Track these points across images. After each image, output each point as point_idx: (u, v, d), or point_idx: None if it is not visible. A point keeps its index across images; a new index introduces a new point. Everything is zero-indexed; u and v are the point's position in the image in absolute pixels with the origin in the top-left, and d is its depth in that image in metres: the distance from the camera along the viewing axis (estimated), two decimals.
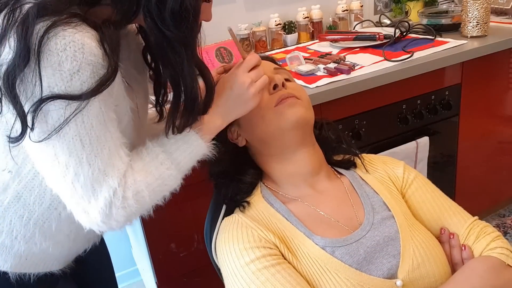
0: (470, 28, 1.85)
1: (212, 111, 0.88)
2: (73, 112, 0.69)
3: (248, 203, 0.96)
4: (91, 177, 0.73)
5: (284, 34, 2.08)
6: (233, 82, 0.89)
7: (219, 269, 0.94)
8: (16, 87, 0.67)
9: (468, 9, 1.84)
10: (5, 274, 0.87)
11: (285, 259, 0.85)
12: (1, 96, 0.68)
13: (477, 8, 1.82)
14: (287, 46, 2.08)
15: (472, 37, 1.86)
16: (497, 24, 2.04)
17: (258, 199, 0.96)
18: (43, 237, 0.86)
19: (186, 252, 1.49)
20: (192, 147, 0.85)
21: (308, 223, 0.90)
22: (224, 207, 0.99)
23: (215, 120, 0.89)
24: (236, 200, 0.97)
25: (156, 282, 1.51)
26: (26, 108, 0.68)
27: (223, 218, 0.96)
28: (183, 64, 0.79)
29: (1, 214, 0.82)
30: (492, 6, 1.93)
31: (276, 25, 2.05)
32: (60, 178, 0.73)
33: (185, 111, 0.83)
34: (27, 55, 0.65)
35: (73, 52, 0.66)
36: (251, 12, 2.05)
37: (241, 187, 0.98)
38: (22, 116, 0.68)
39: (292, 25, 2.08)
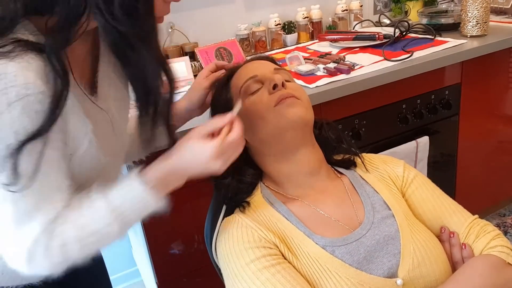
0: (469, 27, 1.86)
1: (173, 174, 0.81)
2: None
3: (248, 203, 0.96)
4: (15, 218, 0.69)
5: (283, 34, 2.08)
6: (195, 150, 0.80)
7: (219, 269, 0.94)
8: None
9: (468, 9, 1.84)
10: None
11: (285, 259, 0.85)
12: None
13: (476, 8, 1.82)
14: (287, 46, 2.08)
15: (471, 36, 1.86)
16: (497, 24, 2.04)
17: (258, 199, 0.96)
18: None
19: (186, 252, 1.49)
20: (142, 203, 0.77)
21: (308, 223, 0.90)
22: (224, 207, 0.99)
23: (175, 182, 0.82)
24: (236, 200, 0.97)
25: (156, 283, 1.51)
26: None
27: (223, 218, 0.96)
28: (144, 61, 0.76)
29: None
30: (491, 5, 1.93)
31: (276, 25, 2.05)
32: None
33: (153, 114, 0.80)
34: None
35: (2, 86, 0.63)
36: (251, 12, 2.05)
37: (241, 187, 0.98)
38: None
39: (292, 25, 2.08)
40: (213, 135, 0.81)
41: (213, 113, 1.04)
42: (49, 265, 0.73)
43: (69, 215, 0.74)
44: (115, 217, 0.75)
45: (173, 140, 0.86)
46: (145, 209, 0.78)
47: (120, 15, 0.70)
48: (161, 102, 0.80)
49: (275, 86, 0.93)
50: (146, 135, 0.81)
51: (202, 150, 0.79)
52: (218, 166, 0.80)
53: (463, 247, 0.92)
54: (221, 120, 0.82)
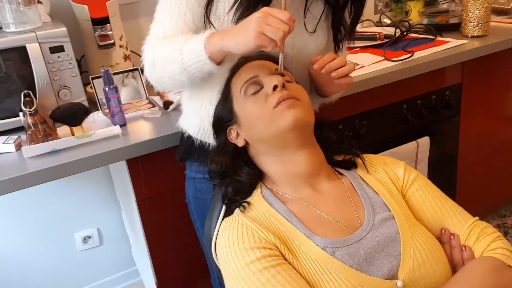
0: (470, 27, 1.85)
1: (216, 35, 0.92)
2: None
3: (248, 203, 0.96)
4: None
5: None
6: (248, 19, 0.88)
7: (219, 270, 0.94)
8: None
9: (469, 9, 1.84)
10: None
11: (285, 259, 0.85)
12: None
13: (477, 8, 1.82)
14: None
15: (472, 36, 1.86)
16: (498, 24, 2.04)
17: (258, 200, 0.96)
18: None
19: (186, 252, 1.49)
20: (193, 45, 0.92)
21: (308, 224, 0.90)
22: (224, 207, 0.99)
23: (215, 36, 0.91)
24: (236, 200, 0.97)
25: (156, 282, 1.51)
26: None
27: (223, 219, 0.96)
28: None
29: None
30: (492, 5, 1.92)
31: None
32: None
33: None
34: None
35: None
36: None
37: (241, 187, 0.98)
38: None
39: None
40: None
41: (215, 113, 1.04)
42: (148, 73, 1.02)
43: (166, 42, 0.98)
44: (181, 56, 0.94)
45: None
46: (199, 59, 0.93)
47: None
48: None
49: (275, 87, 0.93)
50: None
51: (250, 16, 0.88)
52: (253, 30, 0.84)
53: (464, 249, 0.92)
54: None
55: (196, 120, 1.12)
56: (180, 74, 0.96)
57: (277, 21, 0.84)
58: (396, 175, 1.01)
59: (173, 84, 1.01)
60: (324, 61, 0.99)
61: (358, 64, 1.65)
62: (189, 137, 1.16)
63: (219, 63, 0.93)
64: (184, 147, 1.19)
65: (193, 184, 1.20)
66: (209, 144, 1.12)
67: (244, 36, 0.86)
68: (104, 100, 1.42)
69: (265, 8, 0.86)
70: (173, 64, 0.95)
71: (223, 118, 1.00)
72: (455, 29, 1.96)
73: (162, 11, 1.00)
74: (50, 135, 1.30)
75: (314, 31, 1.07)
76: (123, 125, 1.39)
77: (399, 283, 0.83)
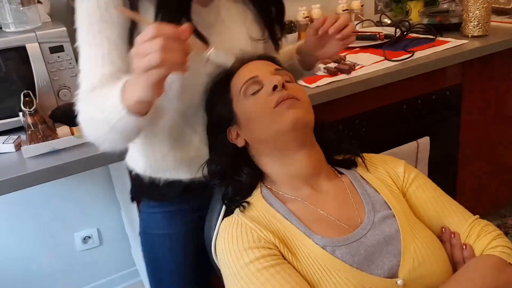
0: (471, 27, 1.85)
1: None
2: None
3: (248, 203, 0.96)
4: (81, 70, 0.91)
5: None
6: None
7: (219, 270, 0.94)
8: None
9: (469, 9, 1.84)
10: (179, 182, 1.05)
11: (285, 259, 0.85)
12: None
13: (478, 8, 1.82)
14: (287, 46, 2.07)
15: (473, 36, 1.86)
16: (498, 24, 2.04)
17: (258, 200, 0.96)
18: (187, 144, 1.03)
19: None
20: (114, 106, 0.78)
21: (308, 223, 0.90)
22: (223, 207, 0.99)
23: (128, 84, 0.78)
24: (235, 200, 0.97)
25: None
26: None
27: (223, 219, 0.96)
28: None
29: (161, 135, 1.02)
30: (493, 5, 1.92)
31: None
32: None
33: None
34: None
35: None
36: None
37: (241, 187, 0.98)
38: None
39: (292, 24, 2.08)
40: None
41: (214, 114, 1.04)
42: (85, 134, 0.89)
43: (92, 98, 0.87)
44: (103, 115, 0.81)
45: None
46: (120, 115, 0.78)
47: None
48: None
49: (275, 87, 0.92)
50: None
51: None
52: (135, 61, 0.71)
53: (464, 247, 0.92)
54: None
55: (142, 158, 1.06)
56: (110, 133, 0.82)
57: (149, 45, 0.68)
58: (397, 174, 1.01)
59: (111, 143, 0.86)
60: (328, 24, 1.03)
61: (358, 64, 1.65)
62: (137, 175, 1.09)
63: (144, 113, 0.78)
64: (134, 187, 1.15)
65: (145, 216, 1.15)
66: (160, 179, 1.06)
67: (145, 78, 0.72)
68: None
69: (137, 40, 0.71)
70: (100, 124, 0.82)
71: (223, 119, 1.00)
72: (455, 29, 1.96)
73: (85, 60, 0.89)
74: (49, 135, 1.30)
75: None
76: None
77: (399, 281, 0.83)
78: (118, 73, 0.87)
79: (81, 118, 0.88)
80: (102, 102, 0.81)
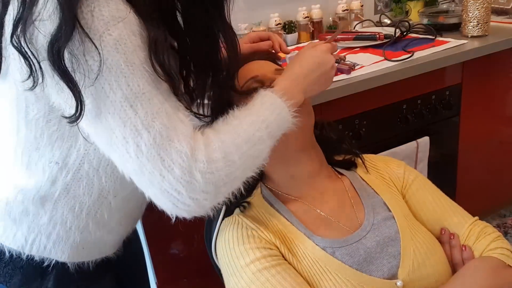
0: (470, 27, 1.85)
1: (295, 83, 0.83)
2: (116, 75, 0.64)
3: (248, 203, 0.96)
4: (154, 145, 0.65)
5: (284, 34, 2.07)
6: (321, 58, 0.86)
7: (219, 270, 0.94)
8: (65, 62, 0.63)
9: (469, 9, 1.83)
10: (64, 265, 0.86)
11: (285, 259, 0.85)
12: (51, 72, 0.65)
13: (477, 8, 1.81)
14: (287, 46, 2.07)
15: (472, 36, 1.85)
16: (498, 24, 2.03)
17: (258, 200, 0.96)
18: (96, 227, 0.86)
19: (186, 252, 1.49)
20: (278, 110, 0.77)
21: (308, 224, 0.90)
22: (224, 207, 0.99)
23: (297, 94, 0.82)
24: (236, 200, 0.97)
25: (156, 283, 1.51)
26: (81, 85, 0.64)
27: (223, 219, 0.96)
28: (216, 29, 0.74)
29: (53, 206, 0.81)
30: (492, 5, 1.92)
31: (276, 25, 2.04)
32: (124, 155, 0.66)
33: (214, 86, 0.78)
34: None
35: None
36: (251, 11, 2.05)
37: (241, 187, 0.98)
38: (77, 94, 0.64)
39: (292, 24, 2.08)
40: None
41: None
42: (214, 183, 0.68)
43: (218, 128, 0.73)
44: (261, 122, 0.75)
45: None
46: (281, 115, 0.78)
47: None
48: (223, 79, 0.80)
49: None
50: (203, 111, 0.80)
51: (312, 51, 0.87)
52: (332, 74, 0.88)
53: (463, 248, 0.92)
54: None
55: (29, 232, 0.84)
56: (268, 148, 0.78)
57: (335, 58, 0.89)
58: (396, 175, 1.01)
59: (245, 173, 0.76)
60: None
61: (358, 64, 1.64)
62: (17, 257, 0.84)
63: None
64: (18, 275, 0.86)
65: None
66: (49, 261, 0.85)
67: (325, 85, 0.89)
68: None
69: (323, 48, 0.88)
70: (261, 144, 0.75)
71: None
72: (455, 29, 1.96)
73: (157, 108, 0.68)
74: None
75: None
76: None
77: (399, 283, 0.83)
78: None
79: (217, 157, 0.69)
80: (260, 120, 0.75)
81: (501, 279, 0.84)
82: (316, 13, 2.11)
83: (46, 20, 0.63)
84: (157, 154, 0.65)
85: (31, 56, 0.65)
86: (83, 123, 0.68)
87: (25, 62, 0.65)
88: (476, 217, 0.97)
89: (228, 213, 0.97)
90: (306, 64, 0.86)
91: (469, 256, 0.91)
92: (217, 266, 0.97)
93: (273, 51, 1.09)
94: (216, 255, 0.94)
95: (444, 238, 0.95)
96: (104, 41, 0.63)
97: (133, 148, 0.65)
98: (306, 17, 2.09)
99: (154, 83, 0.67)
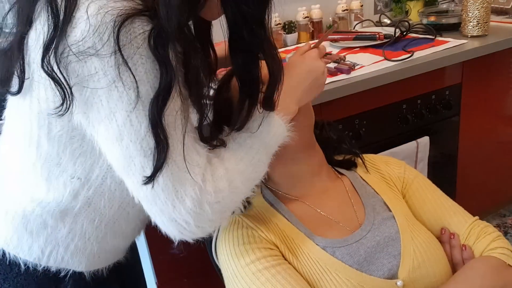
0: (470, 27, 1.85)
1: (288, 95, 0.83)
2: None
3: (249, 203, 0.96)
4: (171, 176, 0.66)
5: (284, 34, 2.07)
6: (311, 65, 0.87)
7: (219, 270, 0.94)
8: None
9: (469, 9, 1.83)
10: (80, 274, 0.86)
11: (285, 259, 0.85)
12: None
13: (477, 8, 1.81)
14: (287, 46, 2.07)
15: (472, 36, 1.85)
16: (498, 24, 2.03)
17: (258, 199, 0.96)
18: (113, 236, 0.86)
19: (186, 252, 1.49)
20: (275, 128, 0.79)
21: (308, 224, 0.90)
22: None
23: (291, 105, 0.84)
24: None
25: (156, 283, 1.51)
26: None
27: None
28: (261, 47, 0.72)
29: (73, 219, 0.80)
30: (492, 5, 1.92)
31: (276, 25, 2.04)
32: (139, 182, 0.66)
33: (249, 103, 0.75)
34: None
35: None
36: None
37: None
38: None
39: (292, 25, 2.08)
40: None
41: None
42: (220, 212, 0.70)
43: (222, 155, 0.74)
44: (260, 144, 0.77)
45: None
46: (278, 132, 0.80)
47: None
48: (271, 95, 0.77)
49: None
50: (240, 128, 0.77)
51: (301, 59, 0.88)
52: (323, 80, 0.89)
53: (464, 248, 0.92)
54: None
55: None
56: (267, 165, 0.81)
57: (325, 61, 0.91)
58: (397, 175, 1.02)
59: (246, 194, 0.78)
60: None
61: (358, 64, 1.64)
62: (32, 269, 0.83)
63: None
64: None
65: None
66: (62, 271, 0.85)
67: (317, 91, 0.90)
68: None
69: (312, 54, 0.89)
70: (260, 165, 0.79)
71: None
72: (454, 29, 1.96)
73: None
74: None
75: None
76: None
77: (399, 282, 0.83)
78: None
79: (222, 186, 0.70)
80: (258, 142, 0.77)
81: (501, 279, 0.84)
82: (316, 13, 2.11)
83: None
84: (172, 186, 0.66)
85: (64, 82, 0.64)
86: (102, 143, 0.68)
87: (57, 87, 0.64)
88: (476, 217, 0.97)
89: None
90: (296, 74, 0.86)
91: (469, 255, 0.91)
92: (217, 266, 0.97)
93: None
94: (216, 255, 0.94)
95: (444, 237, 0.95)
96: (138, 69, 0.63)
97: None
98: (306, 17, 2.09)
99: (180, 114, 0.68)
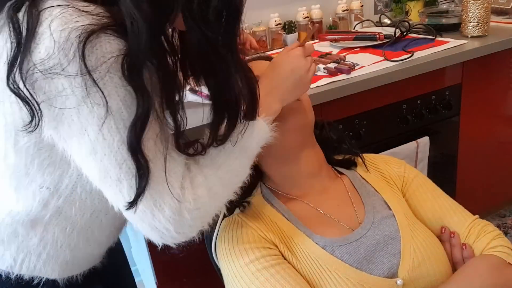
0: (470, 28, 1.85)
1: (270, 94, 0.83)
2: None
3: (249, 203, 0.96)
4: (147, 186, 0.66)
5: (284, 34, 2.08)
6: (295, 64, 0.85)
7: (219, 269, 0.94)
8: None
9: (469, 9, 1.84)
10: (54, 281, 0.85)
11: (285, 259, 0.85)
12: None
13: (477, 8, 1.82)
14: (287, 46, 2.07)
15: (472, 37, 1.85)
16: (498, 24, 2.03)
17: (258, 199, 0.96)
18: (87, 243, 0.85)
19: (186, 252, 1.49)
20: (256, 131, 0.78)
21: (308, 223, 0.90)
22: (224, 207, 0.99)
23: (273, 104, 0.83)
24: (236, 200, 0.97)
25: (156, 283, 1.50)
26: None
27: (223, 218, 0.96)
28: (229, 71, 0.71)
29: (44, 227, 0.79)
30: (492, 6, 1.92)
31: (276, 25, 2.04)
32: (117, 194, 0.67)
33: (228, 121, 0.74)
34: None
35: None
36: (251, 11, 2.05)
37: (241, 187, 0.98)
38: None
39: (292, 25, 2.08)
40: None
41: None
42: (200, 218, 0.71)
43: (200, 161, 0.73)
44: (240, 148, 0.76)
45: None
46: (260, 134, 0.79)
47: (213, 21, 0.66)
48: (240, 113, 0.76)
49: None
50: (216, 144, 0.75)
51: (284, 58, 0.86)
52: (309, 78, 0.86)
53: (464, 247, 0.92)
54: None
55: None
56: (249, 167, 0.80)
57: (311, 59, 0.87)
58: (396, 174, 1.02)
59: (228, 196, 0.79)
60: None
61: (358, 64, 1.65)
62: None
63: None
64: None
65: None
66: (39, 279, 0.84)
67: (302, 90, 0.88)
68: None
69: (296, 53, 0.87)
70: (242, 169, 0.79)
71: None
72: (455, 29, 1.96)
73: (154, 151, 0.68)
74: None
75: None
76: None
77: (399, 281, 0.83)
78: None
79: (201, 193, 0.71)
80: (238, 147, 0.76)
81: (501, 277, 0.84)
82: (316, 13, 2.11)
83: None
84: (149, 195, 0.66)
85: (31, 99, 0.62)
86: (76, 157, 0.68)
87: (25, 105, 0.63)
88: (476, 216, 0.97)
89: (228, 212, 0.97)
90: (279, 72, 0.85)
91: (469, 254, 0.91)
92: (217, 266, 0.97)
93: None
94: (216, 255, 0.94)
95: (444, 236, 0.95)
96: (107, 85, 0.62)
97: (126, 189, 0.65)
98: (306, 17, 2.09)
99: (160, 137, 0.67)
